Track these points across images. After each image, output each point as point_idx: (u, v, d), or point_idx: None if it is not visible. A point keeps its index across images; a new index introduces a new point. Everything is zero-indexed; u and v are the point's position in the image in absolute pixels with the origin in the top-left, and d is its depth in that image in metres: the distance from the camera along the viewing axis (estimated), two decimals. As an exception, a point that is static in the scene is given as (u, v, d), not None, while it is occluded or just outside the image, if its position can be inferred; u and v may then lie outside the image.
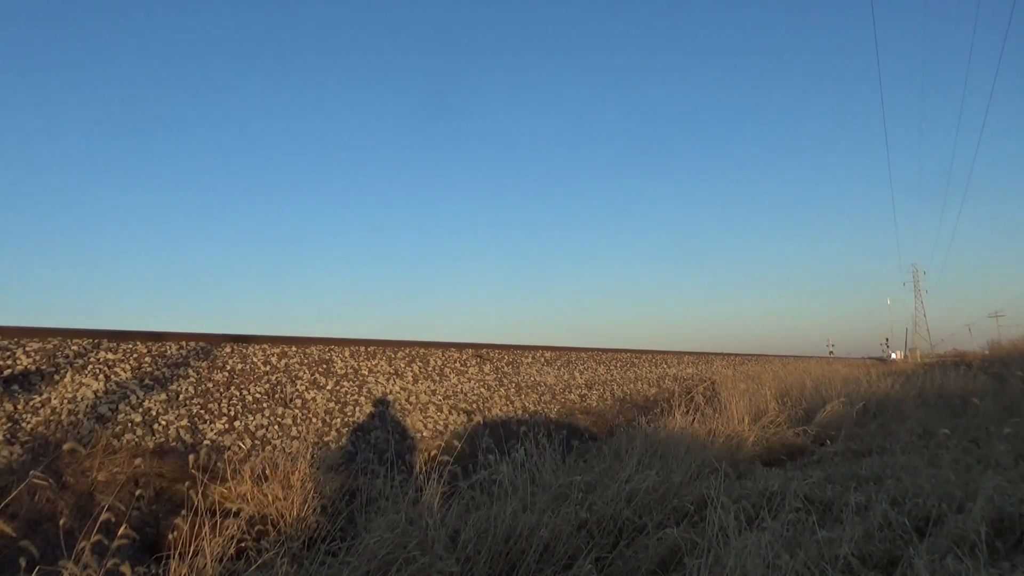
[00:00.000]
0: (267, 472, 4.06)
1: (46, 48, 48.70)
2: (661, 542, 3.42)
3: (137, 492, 3.74)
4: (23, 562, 2.25)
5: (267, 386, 6.00)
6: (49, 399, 4.45)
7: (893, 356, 48.56)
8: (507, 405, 8.04)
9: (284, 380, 6.26)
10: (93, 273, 47.07)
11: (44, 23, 47.89)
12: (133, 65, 56.55)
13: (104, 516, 2.52)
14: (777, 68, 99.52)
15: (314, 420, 5.76)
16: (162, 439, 4.60)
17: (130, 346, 5.70)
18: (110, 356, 5.36)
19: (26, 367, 4.74)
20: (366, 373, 7.27)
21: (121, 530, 2.47)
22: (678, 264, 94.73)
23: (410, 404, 6.92)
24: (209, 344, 6.41)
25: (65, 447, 2.84)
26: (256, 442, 5.07)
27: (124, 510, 2.53)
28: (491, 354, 10.07)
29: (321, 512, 3.88)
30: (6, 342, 5.03)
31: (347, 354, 7.62)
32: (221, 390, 5.59)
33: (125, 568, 2.33)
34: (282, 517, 3.70)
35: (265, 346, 6.93)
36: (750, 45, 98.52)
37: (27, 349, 4.99)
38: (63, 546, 2.90)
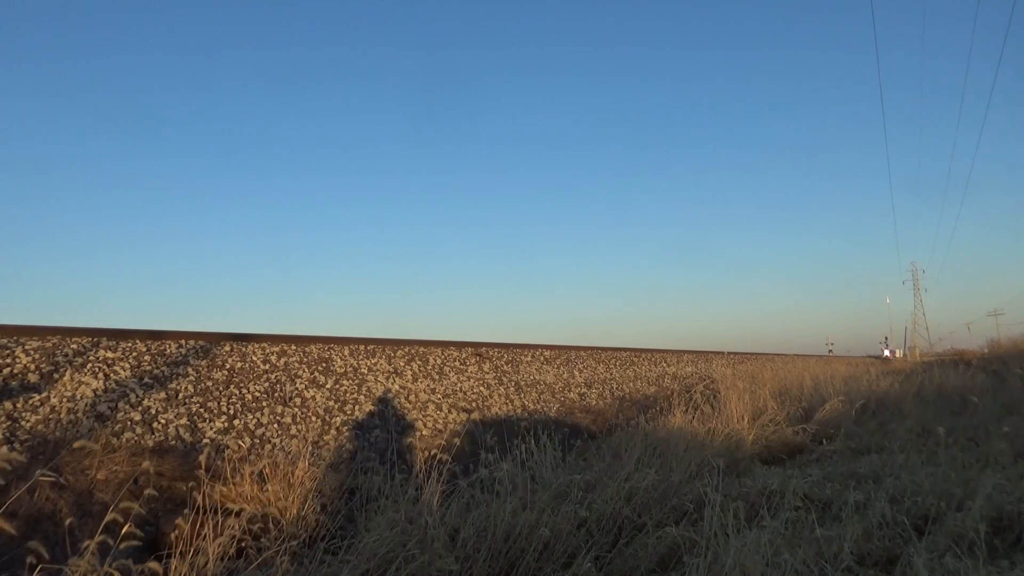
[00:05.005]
0: (267, 471, 4.06)
1: (45, 45, 48.62)
2: (660, 540, 3.42)
3: (137, 491, 3.74)
4: (30, 560, 2.25)
5: (266, 385, 6.00)
6: (48, 398, 4.45)
7: (887, 354, 48.24)
8: (507, 404, 8.04)
9: (283, 379, 6.26)
10: (92, 271, 47.05)
11: (42, 20, 47.80)
12: (132, 62, 56.47)
13: (108, 515, 2.52)
14: (776, 66, 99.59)
15: (313, 419, 5.76)
16: (161, 438, 4.60)
17: (129, 345, 5.70)
18: (109, 355, 5.36)
19: (25, 365, 4.73)
20: (365, 372, 7.27)
21: (124, 529, 2.47)
22: (677, 262, 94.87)
23: (409, 403, 6.92)
24: (208, 343, 6.41)
25: (76, 444, 2.84)
26: (256, 441, 5.07)
27: (130, 509, 2.52)
28: (490, 353, 10.07)
29: (321, 511, 3.89)
30: (5, 340, 5.02)
31: (346, 353, 7.62)
32: (220, 389, 5.59)
33: (134, 566, 2.33)
34: (282, 516, 3.70)
35: (264, 345, 6.93)
36: (749, 42, 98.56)
37: (26, 348, 4.99)
38: (65, 544, 2.91)
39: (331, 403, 6.17)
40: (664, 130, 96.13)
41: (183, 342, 6.19)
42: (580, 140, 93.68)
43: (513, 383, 8.95)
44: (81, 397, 4.60)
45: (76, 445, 2.78)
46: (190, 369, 5.71)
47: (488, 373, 8.97)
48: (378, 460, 5.03)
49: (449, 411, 7.08)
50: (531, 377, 9.61)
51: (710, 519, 3.33)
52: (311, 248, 68.01)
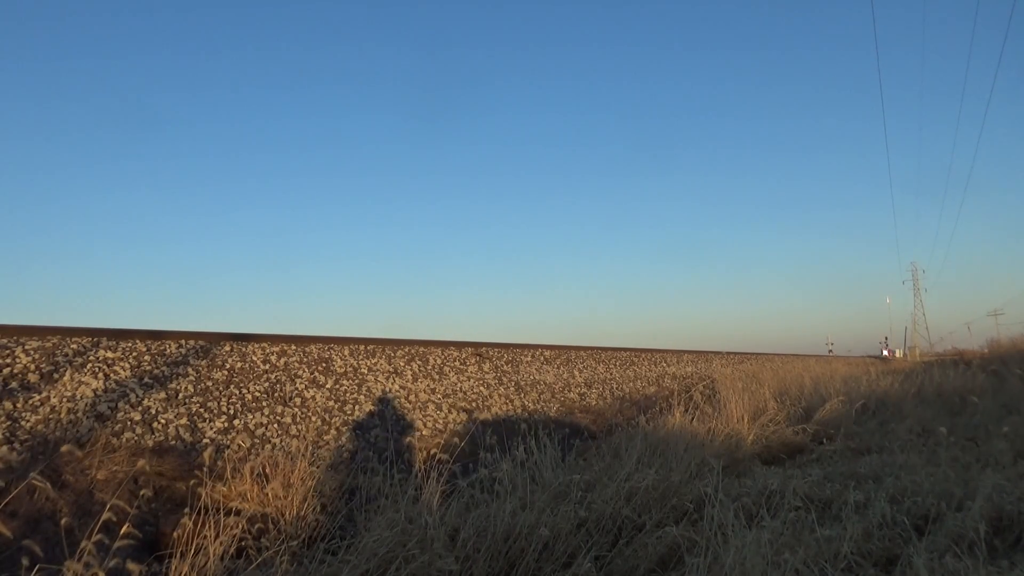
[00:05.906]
0: (267, 471, 4.06)
1: (45, 45, 48.61)
2: (660, 540, 3.42)
3: (137, 491, 3.74)
4: (25, 561, 2.25)
5: (266, 385, 6.00)
6: (48, 397, 4.45)
7: (886, 353, 48.10)
8: (506, 404, 8.04)
9: (283, 379, 6.26)
10: (92, 271, 47.06)
11: (43, 20, 47.79)
12: (131, 62, 56.48)
13: (105, 515, 2.52)
14: (776, 65, 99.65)
15: (313, 419, 5.76)
16: (161, 438, 4.60)
17: (129, 344, 5.69)
18: (109, 355, 5.35)
19: (25, 365, 4.73)
20: (365, 372, 7.27)
21: (123, 529, 2.47)
22: (677, 262, 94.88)
23: (409, 403, 6.92)
24: (208, 343, 6.41)
25: (63, 448, 2.84)
26: (256, 441, 5.07)
27: (127, 509, 2.52)
28: (490, 353, 10.07)
29: (321, 510, 3.89)
30: (5, 340, 5.02)
31: (346, 353, 7.62)
32: (220, 389, 5.59)
33: (131, 567, 2.33)
34: (282, 515, 3.70)
35: (264, 345, 6.93)
36: (749, 42, 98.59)
37: (26, 348, 4.98)
38: (64, 544, 2.91)
39: (331, 403, 6.17)
40: (664, 130, 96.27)
41: (183, 342, 6.19)
42: (580, 140, 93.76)
43: (513, 383, 8.95)
44: (81, 397, 4.60)
45: (63, 449, 2.77)
46: (190, 369, 5.70)
47: (488, 373, 8.97)
48: (378, 460, 5.02)
49: (449, 411, 7.07)
50: (531, 377, 9.60)
51: (710, 519, 3.33)
52: (311, 248, 68.07)
